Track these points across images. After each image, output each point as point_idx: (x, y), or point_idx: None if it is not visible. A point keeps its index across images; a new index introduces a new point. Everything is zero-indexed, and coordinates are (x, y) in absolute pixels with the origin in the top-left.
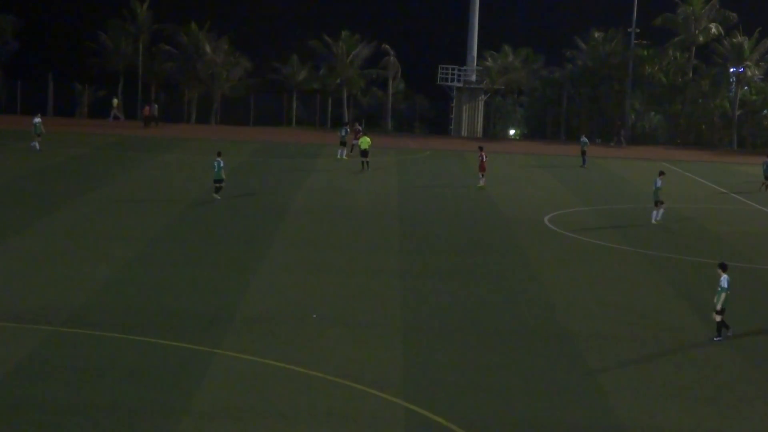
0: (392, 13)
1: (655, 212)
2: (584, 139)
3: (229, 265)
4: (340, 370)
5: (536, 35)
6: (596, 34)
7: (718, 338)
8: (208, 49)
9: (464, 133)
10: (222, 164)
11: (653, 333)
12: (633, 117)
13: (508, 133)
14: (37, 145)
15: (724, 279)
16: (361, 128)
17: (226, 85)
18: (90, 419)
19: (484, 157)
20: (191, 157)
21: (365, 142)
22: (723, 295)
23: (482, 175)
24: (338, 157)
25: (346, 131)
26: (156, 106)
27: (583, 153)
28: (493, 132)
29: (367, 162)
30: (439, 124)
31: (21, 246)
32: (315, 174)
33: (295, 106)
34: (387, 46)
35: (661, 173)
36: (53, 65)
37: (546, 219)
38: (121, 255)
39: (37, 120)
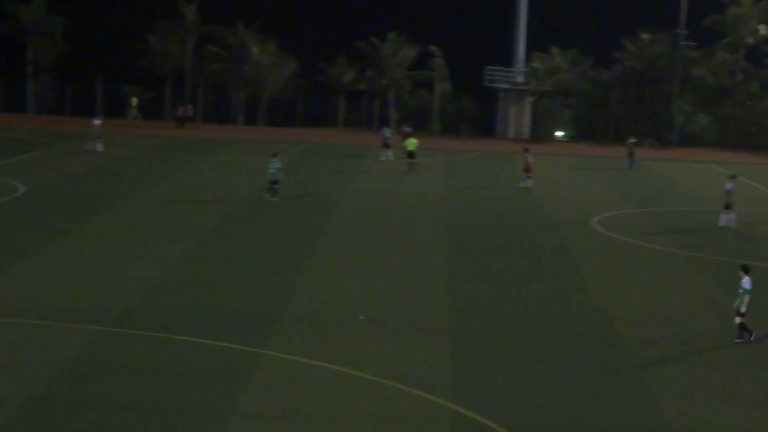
0: (439, 14)
1: (723, 216)
2: (632, 140)
3: (276, 266)
4: (386, 372)
5: (584, 36)
6: (644, 36)
7: (739, 340)
8: (255, 50)
9: (511, 134)
10: (278, 165)
11: (702, 336)
12: (681, 119)
13: (555, 134)
14: (97, 146)
15: (746, 281)
16: (409, 130)
17: (273, 87)
18: (138, 419)
19: (530, 158)
20: (239, 159)
21: (412, 143)
22: (746, 298)
23: (528, 177)
24: (382, 159)
25: (390, 133)
26: (190, 106)
27: (631, 155)
28: (540, 133)
29: (414, 163)
30: (485, 125)
31: (71, 246)
32: (362, 175)
33: (341, 107)
34: (434, 48)
35: (732, 176)
36: (102, 67)
37: (593, 221)
38: (170, 255)
39: (98, 122)
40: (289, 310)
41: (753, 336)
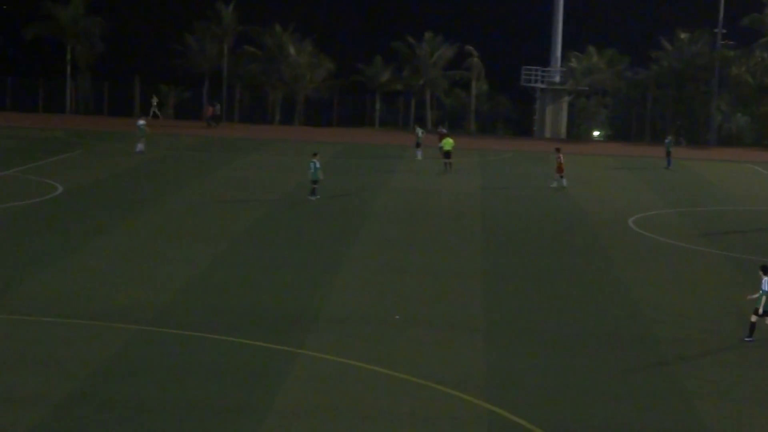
0: (476, 14)
1: None
2: (669, 140)
3: (312, 266)
4: (422, 371)
5: (621, 36)
6: (682, 35)
7: (749, 339)
8: (292, 50)
9: (548, 134)
10: (318, 165)
11: (739, 336)
12: (719, 118)
13: (592, 134)
14: (141, 146)
15: (765, 281)
16: (445, 131)
17: (309, 87)
18: (175, 417)
19: (562, 158)
20: (275, 158)
21: (448, 143)
22: (764, 298)
23: (561, 176)
24: (418, 158)
25: (423, 132)
26: (218, 106)
27: (668, 154)
28: (576, 133)
29: (450, 163)
30: (522, 125)
31: (109, 245)
32: (398, 175)
33: (378, 107)
34: (470, 48)
35: None
36: (140, 67)
37: (630, 221)
38: (206, 254)
39: (142, 122)
40: (324, 310)
41: (750, 339)
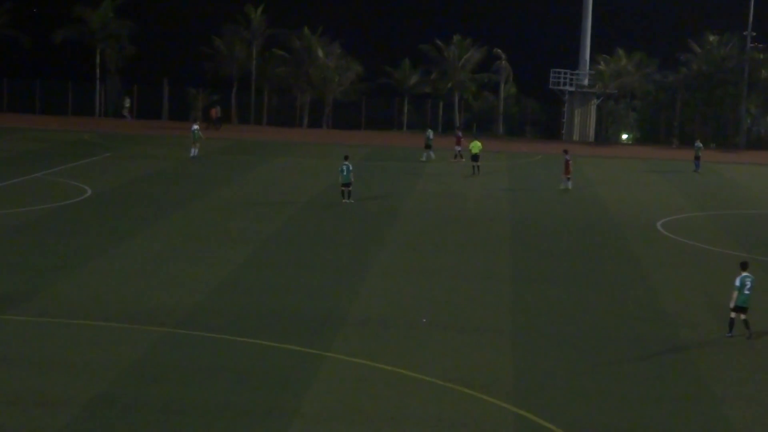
0: (504, 17)
1: None
2: (698, 143)
3: (340, 268)
4: (449, 375)
5: (650, 39)
6: (711, 38)
7: (729, 335)
8: (320, 53)
9: (576, 137)
10: (351, 168)
11: (767, 340)
12: (749, 121)
13: (621, 137)
14: (194, 151)
15: (738, 278)
16: (461, 134)
17: (337, 90)
18: (202, 419)
19: (570, 160)
20: (303, 161)
21: (476, 146)
22: (734, 294)
23: (568, 178)
24: (423, 159)
25: (432, 134)
26: (219, 108)
27: (697, 158)
28: (605, 136)
29: (478, 166)
30: (550, 128)
31: (137, 248)
32: (426, 178)
33: (406, 110)
34: (499, 50)
35: None
36: (169, 70)
37: (659, 224)
38: (234, 257)
39: (195, 127)
40: (352, 313)
41: (730, 334)
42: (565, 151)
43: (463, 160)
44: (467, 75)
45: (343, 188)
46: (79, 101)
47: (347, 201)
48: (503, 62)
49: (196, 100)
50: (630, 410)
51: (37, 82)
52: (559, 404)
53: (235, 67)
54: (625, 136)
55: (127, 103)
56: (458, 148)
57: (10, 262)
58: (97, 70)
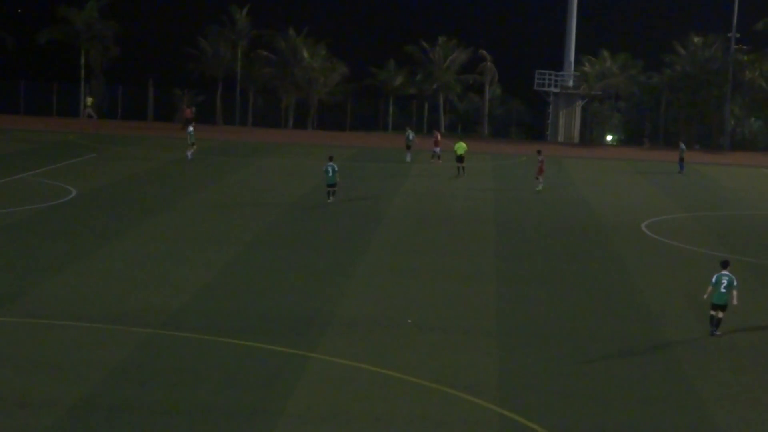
0: (489, 18)
1: None
2: (682, 145)
3: (325, 270)
4: (434, 375)
5: (634, 40)
6: (695, 39)
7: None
8: (305, 54)
9: (561, 138)
10: (336, 168)
11: (752, 341)
12: (733, 123)
13: (606, 138)
14: (189, 153)
15: (715, 275)
16: (439, 134)
17: (323, 91)
18: (186, 421)
19: (543, 160)
20: (289, 162)
21: (461, 147)
22: (709, 289)
23: (540, 179)
24: (406, 160)
25: (412, 135)
26: (194, 108)
27: (681, 159)
28: (590, 137)
29: (463, 167)
30: (535, 129)
31: (122, 249)
32: (411, 179)
33: (391, 111)
34: (484, 52)
35: None
36: (153, 71)
37: (643, 225)
38: (219, 258)
39: (191, 129)
40: (338, 314)
41: (714, 332)
42: (539, 152)
43: (440, 161)
44: (452, 76)
45: (329, 189)
46: (64, 102)
47: (330, 201)
48: (488, 63)
49: (181, 101)
50: (615, 410)
51: (22, 83)
52: (543, 404)
53: (220, 68)
54: (609, 138)
55: (89, 101)
56: (437, 149)
57: None
58: (82, 71)
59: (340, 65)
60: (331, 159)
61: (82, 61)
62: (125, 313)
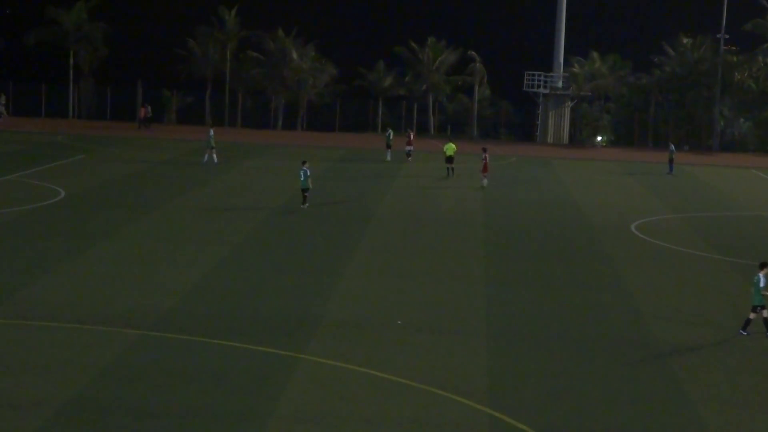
0: (479, 19)
1: None
2: (672, 146)
3: (314, 271)
4: (424, 377)
5: (624, 41)
6: (684, 40)
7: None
8: (294, 55)
9: (550, 139)
10: (308, 173)
11: (741, 342)
12: (722, 124)
13: (595, 139)
14: (212, 156)
15: (758, 277)
16: (412, 135)
17: (312, 92)
18: (175, 423)
19: (487, 158)
20: (278, 163)
21: (450, 148)
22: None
23: (485, 176)
24: (387, 159)
25: (392, 135)
26: (149, 107)
27: (671, 160)
28: (579, 138)
29: (452, 168)
30: (524, 130)
31: (109, 250)
32: (400, 180)
33: (380, 112)
34: (473, 53)
35: None
36: (142, 71)
37: (633, 226)
38: (208, 260)
39: (212, 132)
40: (326, 315)
41: (746, 333)
42: (484, 149)
43: (410, 159)
44: (442, 77)
45: (303, 194)
46: (53, 103)
47: (304, 207)
48: (477, 64)
49: (170, 102)
50: (604, 412)
51: (10, 84)
52: (533, 406)
53: (209, 68)
54: (599, 139)
55: (3, 99)
56: (409, 148)
57: None
58: (71, 72)
59: (330, 66)
60: (304, 163)
61: (71, 62)
62: (114, 315)
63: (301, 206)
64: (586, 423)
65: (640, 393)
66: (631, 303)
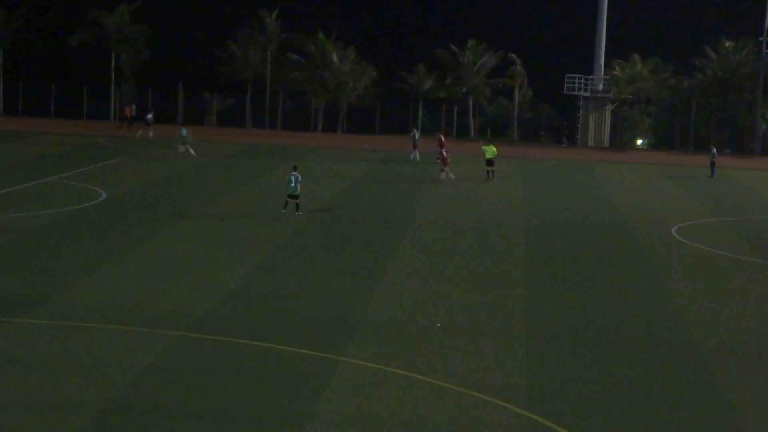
0: (519, 22)
1: None
2: (713, 150)
3: (354, 273)
4: (463, 380)
5: (665, 44)
6: (726, 43)
7: None
8: (335, 58)
9: (591, 142)
10: (299, 178)
11: None
12: (764, 127)
13: (636, 142)
14: (188, 150)
15: None
16: (443, 135)
17: (352, 94)
18: (216, 424)
19: (444, 153)
20: (317, 166)
21: (491, 151)
22: None
23: (443, 170)
24: (411, 158)
25: (418, 135)
26: (134, 106)
27: (713, 164)
28: (620, 141)
29: (493, 171)
30: (565, 133)
31: (151, 251)
32: (440, 183)
33: (420, 114)
34: (514, 55)
35: None
36: (183, 74)
37: (674, 230)
38: (248, 261)
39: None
40: (365, 318)
41: None
42: (440, 145)
43: (438, 161)
44: (482, 80)
45: (288, 199)
46: (95, 105)
47: (289, 213)
48: (518, 67)
49: (210, 105)
50: (644, 417)
51: (53, 86)
52: (573, 410)
53: (249, 71)
54: (639, 142)
55: (134, 109)
56: (440, 149)
57: (26, 266)
58: (113, 74)
59: (370, 69)
60: (295, 168)
61: (113, 64)
62: (155, 316)
63: (296, 213)
64: (626, 428)
65: (681, 398)
66: (672, 307)
